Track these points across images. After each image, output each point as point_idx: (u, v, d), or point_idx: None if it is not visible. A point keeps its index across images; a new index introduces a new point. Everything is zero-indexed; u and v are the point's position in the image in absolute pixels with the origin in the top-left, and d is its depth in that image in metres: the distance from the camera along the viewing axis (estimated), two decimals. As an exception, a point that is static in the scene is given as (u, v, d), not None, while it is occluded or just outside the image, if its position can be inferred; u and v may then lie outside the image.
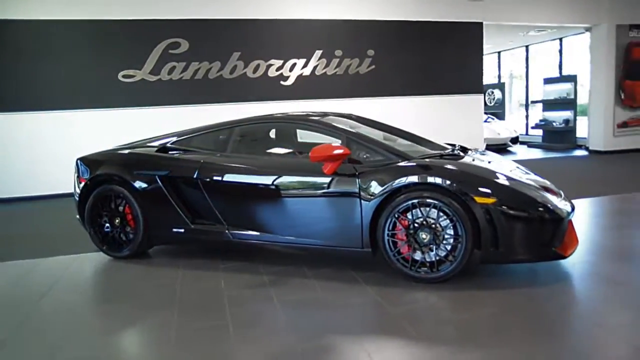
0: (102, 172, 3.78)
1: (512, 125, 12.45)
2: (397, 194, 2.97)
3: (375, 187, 3.01)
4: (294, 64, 8.04)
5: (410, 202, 2.94)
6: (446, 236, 2.93)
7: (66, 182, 7.02)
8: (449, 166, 3.03)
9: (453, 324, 2.47)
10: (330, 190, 3.15)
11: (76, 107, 7.17)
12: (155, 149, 3.90)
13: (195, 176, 3.51)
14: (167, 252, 3.95)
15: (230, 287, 3.10)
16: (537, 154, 10.99)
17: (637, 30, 9.73)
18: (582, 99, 11.59)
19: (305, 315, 2.67)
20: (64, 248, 4.19)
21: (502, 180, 2.98)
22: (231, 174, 3.44)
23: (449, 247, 2.92)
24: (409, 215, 2.97)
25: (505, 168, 3.33)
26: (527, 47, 13.16)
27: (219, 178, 3.45)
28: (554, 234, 2.89)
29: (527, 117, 13.55)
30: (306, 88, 8.13)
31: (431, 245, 2.95)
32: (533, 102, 13.01)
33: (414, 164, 3.06)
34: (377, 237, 3.05)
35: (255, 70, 7.85)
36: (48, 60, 7.00)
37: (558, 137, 11.65)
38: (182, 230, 3.58)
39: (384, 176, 3.01)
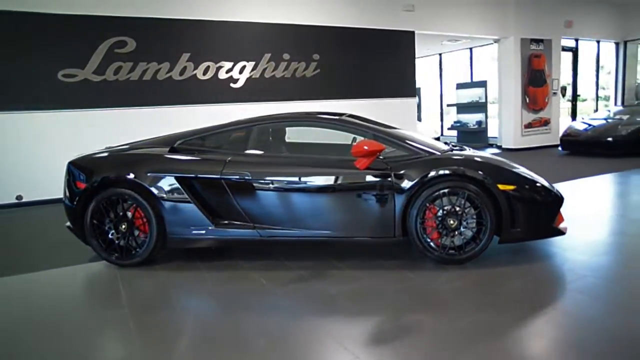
0: (108, 174, 3.56)
1: (433, 126, 13.53)
2: (428, 185, 3.25)
3: (408, 180, 3.26)
4: (244, 67, 8.01)
5: (440, 191, 3.25)
6: (470, 221, 3.28)
7: None
8: (474, 158, 3.40)
9: (500, 295, 2.82)
10: (365, 184, 3.34)
11: (7, 109, 6.44)
12: (158, 149, 3.76)
13: (219, 176, 3.47)
14: (171, 256, 3.80)
15: (275, 284, 3.14)
16: (456, 152, 12.08)
17: (536, 43, 11.19)
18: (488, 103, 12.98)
19: (371, 300, 2.83)
20: (53, 260, 3.84)
21: (516, 169, 3.41)
22: (260, 172, 3.46)
23: (475, 231, 3.28)
24: (437, 204, 3.28)
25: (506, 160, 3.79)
26: (440, 55, 14.38)
27: (246, 177, 3.45)
28: (556, 214, 3.39)
29: (441, 119, 14.80)
30: (256, 90, 8.14)
31: (459, 230, 3.29)
32: (448, 105, 14.25)
33: (443, 157, 3.38)
34: (408, 225, 3.31)
35: (206, 72, 7.69)
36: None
37: (472, 136, 12.91)
38: (203, 231, 3.51)
39: (417, 169, 3.28)
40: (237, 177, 3.45)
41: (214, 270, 3.46)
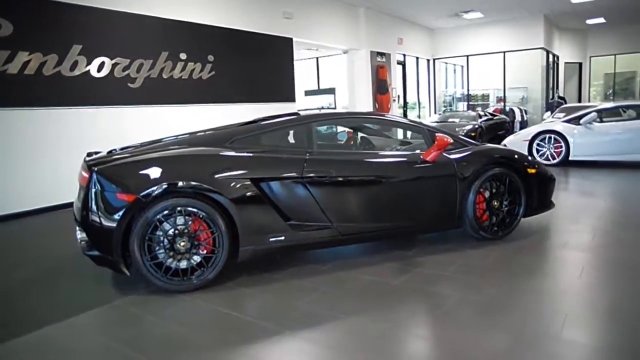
0: (166, 181, 2.95)
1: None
2: (482, 172, 3.73)
3: (468, 168, 3.69)
4: (141, 64, 7.11)
5: (491, 177, 3.76)
6: (508, 200, 3.89)
7: None
8: (512, 148, 4.01)
9: (571, 256, 3.49)
10: (436, 175, 3.64)
11: None
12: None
13: (300, 175, 3.25)
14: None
15: (387, 279, 3.17)
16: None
17: (380, 56, 12.83)
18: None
19: (484, 274, 3.17)
20: (69, 301, 2.97)
21: (529, 157, 4.17)
22: (341, 169, 3.38)
23: (507, 210, 3.90)
24: (484, 188, 3.80)
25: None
26: (287, 63, 15.05)
27: (330, 174, 3.34)
28: (553, 190, 4.26)
29: (291, 124, 15.51)
30: (155, 92, 7.32)
31: (501, 209, 3.86)
32: (299, 110, 15.01)
33: (487, 148, 3.91)
34: (467, 209, 3.72)
35: (100, 68, 6.57)
36: None
37: (326, 140, 13.97)
38: (282, 237, 3.23)
39: (474, 159, 3.74)
40: (320, 175, 3.31)
41: (301, 278, 3.23)
